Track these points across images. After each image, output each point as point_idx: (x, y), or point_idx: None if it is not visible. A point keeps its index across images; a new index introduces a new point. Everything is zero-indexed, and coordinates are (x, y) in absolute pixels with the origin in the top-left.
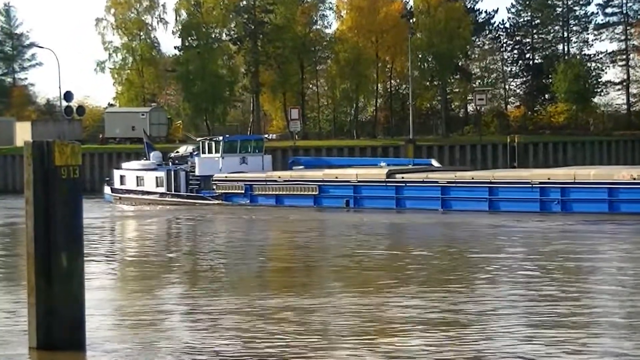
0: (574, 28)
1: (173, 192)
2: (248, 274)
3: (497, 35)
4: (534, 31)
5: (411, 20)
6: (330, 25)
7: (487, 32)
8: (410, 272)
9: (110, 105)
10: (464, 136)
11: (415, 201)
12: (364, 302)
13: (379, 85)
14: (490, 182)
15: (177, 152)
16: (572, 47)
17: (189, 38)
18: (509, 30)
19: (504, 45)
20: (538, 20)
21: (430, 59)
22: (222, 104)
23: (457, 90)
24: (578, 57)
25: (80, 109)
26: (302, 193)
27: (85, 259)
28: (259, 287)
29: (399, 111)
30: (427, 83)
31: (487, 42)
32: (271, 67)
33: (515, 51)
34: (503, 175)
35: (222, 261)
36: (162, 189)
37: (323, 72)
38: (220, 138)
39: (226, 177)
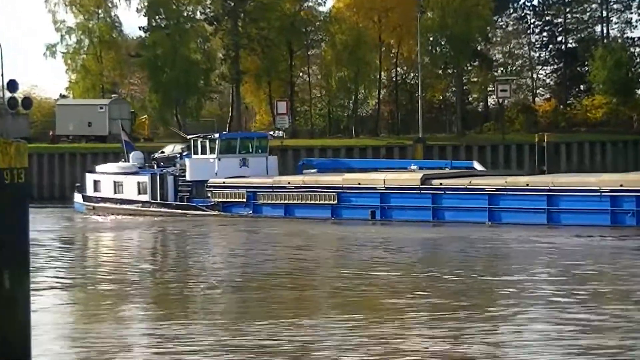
0: (615, 6)
1: (159, 201)
2: (233, 301)
3: (523, 14)
4: (567, 10)
5: None
6: (324, 2)
7: (511, 10)
8: (424, 303)
9: (63, 96)
10: (484, 134)
11: (456, 212)
12: (361, 333)
13: (382, 73)
14: (550, 190)
15: (162, 152)
16: (613, 29)
17: (157, 17)
18: (537, 9)
19: (531, 26)
20: None
21: (443, 43)
22: (196, 96)
23: (475, 79)
24: (619, 40)
25: (27, 101)
26: (317, 202)
27: (38, 279)
28: (241, 317)
29: (405, 104)
30: (440, 71)
31: (511, 23)
32: (254, 52)
33: (545, 33)
34: (565, 182)
35: (209, 286)
36: (146, 197)
37: (316, 58)
38: (217, 135)
39: (224, 182)
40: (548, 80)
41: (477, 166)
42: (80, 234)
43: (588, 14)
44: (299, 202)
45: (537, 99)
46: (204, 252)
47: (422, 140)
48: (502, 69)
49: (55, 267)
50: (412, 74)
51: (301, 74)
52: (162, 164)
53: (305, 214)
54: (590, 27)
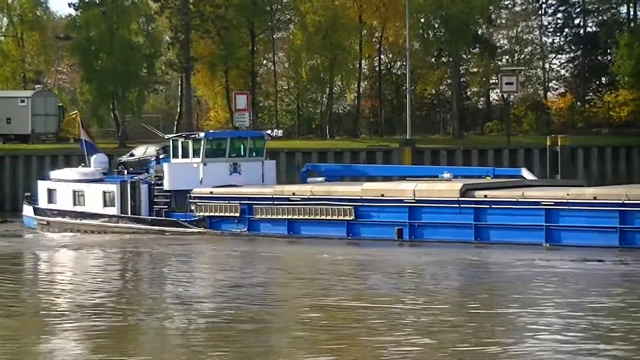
0: None
1: (130, 215)
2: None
3: None
4: None
5: None
6: None
7: None
8: None
9: None
10: (485, 136)
11: (505, 231)
12: None
13: (362, 62)
14: (623, 204)
15: (132, 154)
16: None
17: None
18: None
19: (544, 6)
20: None
21: (437, 25)
22: (138, 87)
23: (475, 70)
24: None
25: None
26: (329, 218)
27: None
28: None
29: (391, 100)
30: (433, 60)
31: (519, 2)
32: (208, 35)
33: (560, 15)
34: None
35: (182, 327)
36: (113, 210)
37: (283, 43)
38: (202, 135)
39: (211, 192)
40: (563, 72)
41: (527, 174)
42: (27, 256)
43: None
44: (307, 217)
45: (549, 93)
46: (179, 281)
47: (411, 142)
48: (507, 57)
49: None
50: (399, 63)
51: (265, 62)
52: (131, 169)
53: (314, 233)
54: (614, 7)
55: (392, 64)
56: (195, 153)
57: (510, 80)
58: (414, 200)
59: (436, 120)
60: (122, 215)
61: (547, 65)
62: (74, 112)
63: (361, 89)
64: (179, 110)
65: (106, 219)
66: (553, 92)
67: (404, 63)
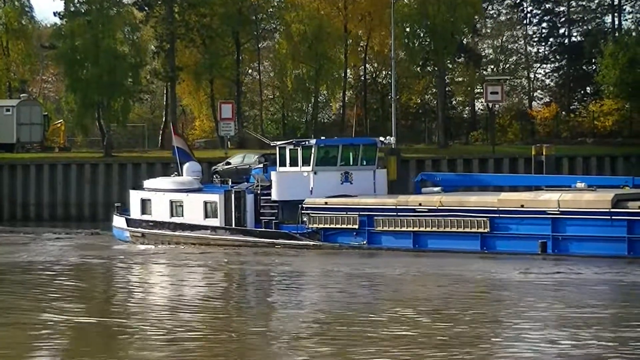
0: None
1: (234, 227)
2: None
3: (518, 1)
4: None
5: None
6: None
7: None
8: None
9: None
10: (470, 146)
11: None
12: None
13: (348, 71)
14: None
15: (228, 162)
16: (626, 20)
17: (75, 0)
18: None
19: (528, 15)
20: None
21: (422, 35)
22: (123, 96)
23: (460, 79)
24: (634, 34)
25: None
26: (460, 230)
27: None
28: None
29: (376, 109)
30: (418, 69)
31: (503, 12)
32: (193, 44)
33: (544, 25)
34: None
35: None
36: (216, 222)
37: (268, 52)
38: (312, 142)
39: (326, 203)
40: (548, 81)
41: None
42: (124, 265)
43: (596, 1)
44: (435, 230)
45: (534, 103)
46: (296, 300)
47: (396, 152)
48: (492, 67)
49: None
50: (384, 72)
51: (250, 71)
52: (226, 178)
53: (443, 246)
54: (599, 17)
55: (378, 73)
56: (305, 161)
57: (495, 90)
58: (558, 212)
59: (421, 130)
60: (226, 227)
61: (532, 75)
62: (59, 121)
63: (346, 98)
64: (164, 119)
65: (208, 230)
66: (538, 101)
67: (389, 72)
